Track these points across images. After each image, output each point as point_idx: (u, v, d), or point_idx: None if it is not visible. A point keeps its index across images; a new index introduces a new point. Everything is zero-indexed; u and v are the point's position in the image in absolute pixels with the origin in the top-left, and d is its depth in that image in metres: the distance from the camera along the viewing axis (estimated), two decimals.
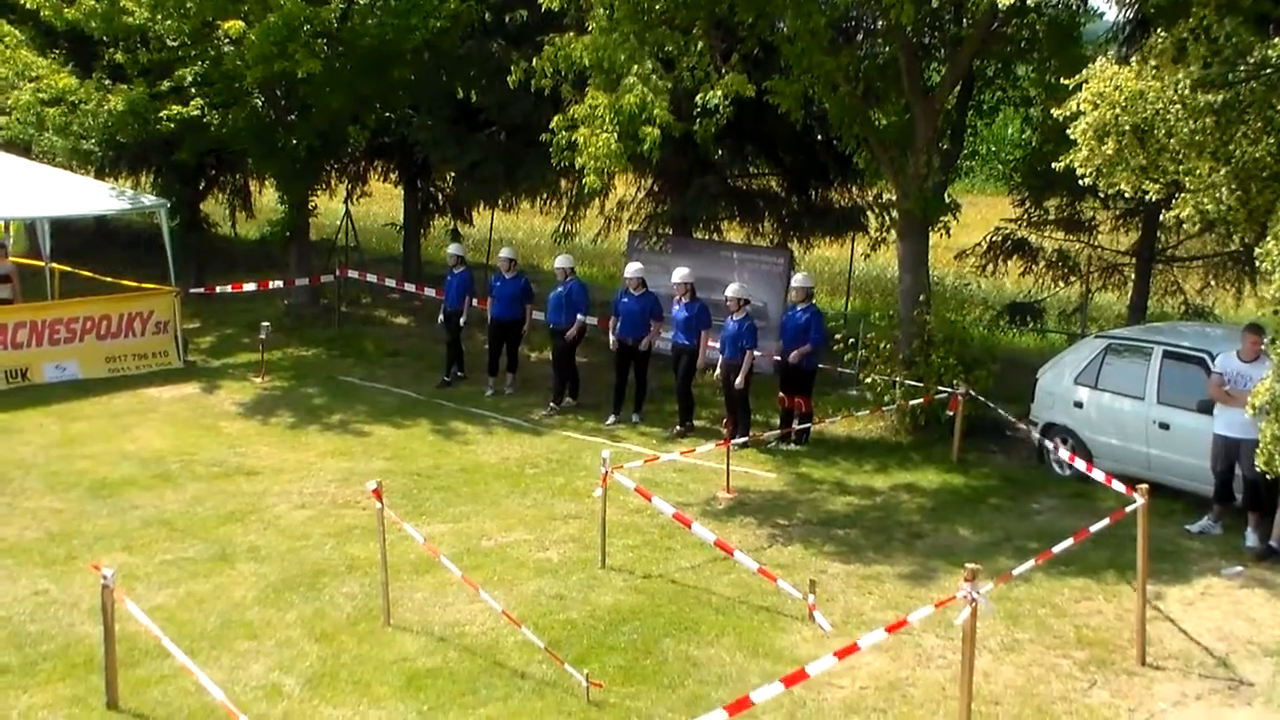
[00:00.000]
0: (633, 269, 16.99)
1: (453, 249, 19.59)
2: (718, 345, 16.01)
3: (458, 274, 18.82)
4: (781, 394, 16.14)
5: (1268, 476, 10.98)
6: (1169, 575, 11.49)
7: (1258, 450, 10.22)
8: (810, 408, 16.01)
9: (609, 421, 16.68)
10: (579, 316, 17.21)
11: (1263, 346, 11.78)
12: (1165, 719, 9.10)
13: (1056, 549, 9.84)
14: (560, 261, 17.84)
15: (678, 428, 16.25)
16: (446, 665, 9.65)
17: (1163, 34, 10.63)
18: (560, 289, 17.44)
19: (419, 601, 10.79)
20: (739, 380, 15.50)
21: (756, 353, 15.87)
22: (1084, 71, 10.86)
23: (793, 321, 16.05)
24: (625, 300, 16.81)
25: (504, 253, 18.77)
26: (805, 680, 8.83)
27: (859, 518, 13.29)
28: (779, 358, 16.53)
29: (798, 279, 16.49)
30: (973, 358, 15.95)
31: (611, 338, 16.97)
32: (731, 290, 15.87)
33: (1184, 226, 11.35)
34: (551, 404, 17.28)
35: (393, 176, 27.28)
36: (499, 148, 20.94)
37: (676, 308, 16.49)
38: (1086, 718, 9.05)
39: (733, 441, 14.10)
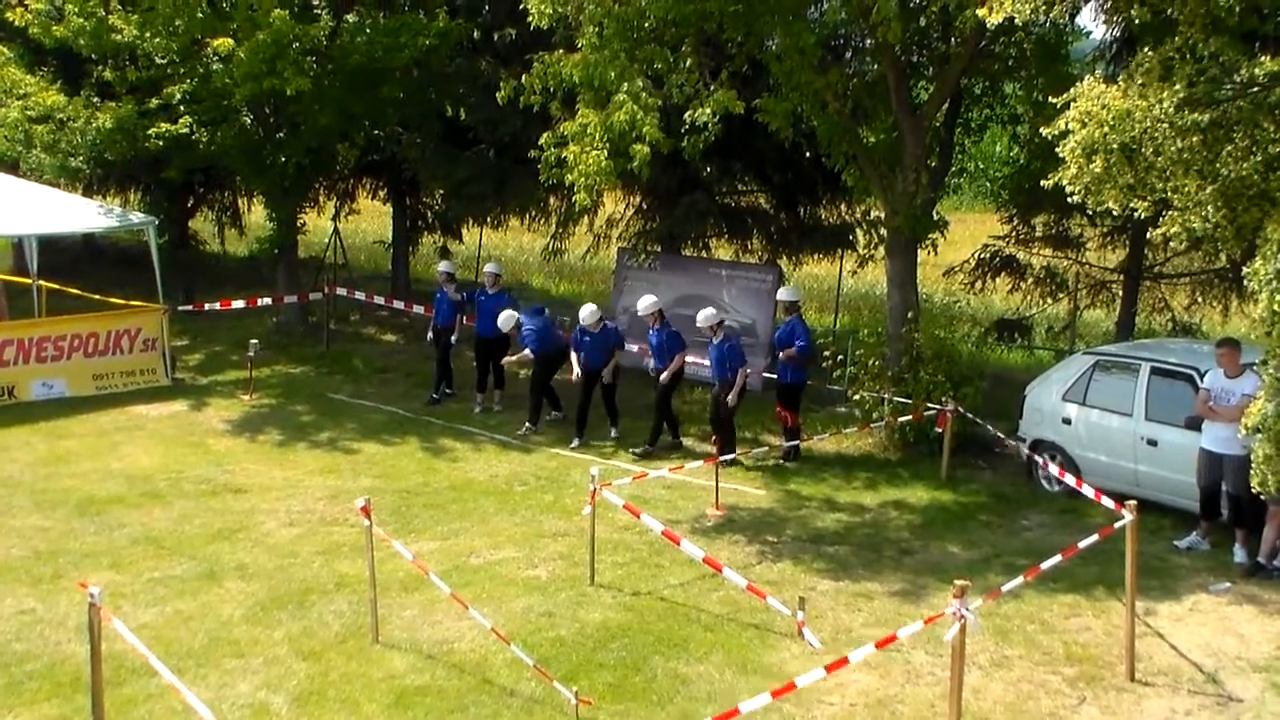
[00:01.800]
0: (587, 311, 16.61)
1: (442, 266, 19.55)
2: (708, 363, 16.06)
3: (447, 291, 18.80)
4: (779, 409, 16.18)
5: (1262, 496, 10.99)
6: (1158, 591, 11.51)
7: (1252, 470, 10.22)
8: (795, 422, 16.01)
9: (573, 445, 16.47)
10: (526, 351, 16.99)
11: (1254, 366, 11.79)
12: None
13: (1045, 565, 9.84)
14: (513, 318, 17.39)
15: (647, 446, 16.16)
16: (435, 683, 9.63)
17: (1149, 53, 10.66)
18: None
19: (407, 619, 10.76)
20: (731, 398, 15.51)
21: (746, 370, 15.88)
22: (1071, 90, 10.91)
23: (779, 335, 16.27)
24: (586, 340, 16.60)
25: (488, 268, 18.74)
26: (796, 697, 8.84)
27: (848, 534, 13.29)
28: (768, 374, 16.55)
29: (781, 293, 16.65)
30: (961, 374, 15.97)
31: (575, 368, 16.74)
32: (701, 319, 15.83)
33: (1171, 244, 11.40)
34: (528, 424, 17.18)
35: (381, 194, 27.27)
36: (488, 165, 20.95)
37: (651, 333, 16.49)
38: None
39: (719, 459, 14.11)
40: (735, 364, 15.60)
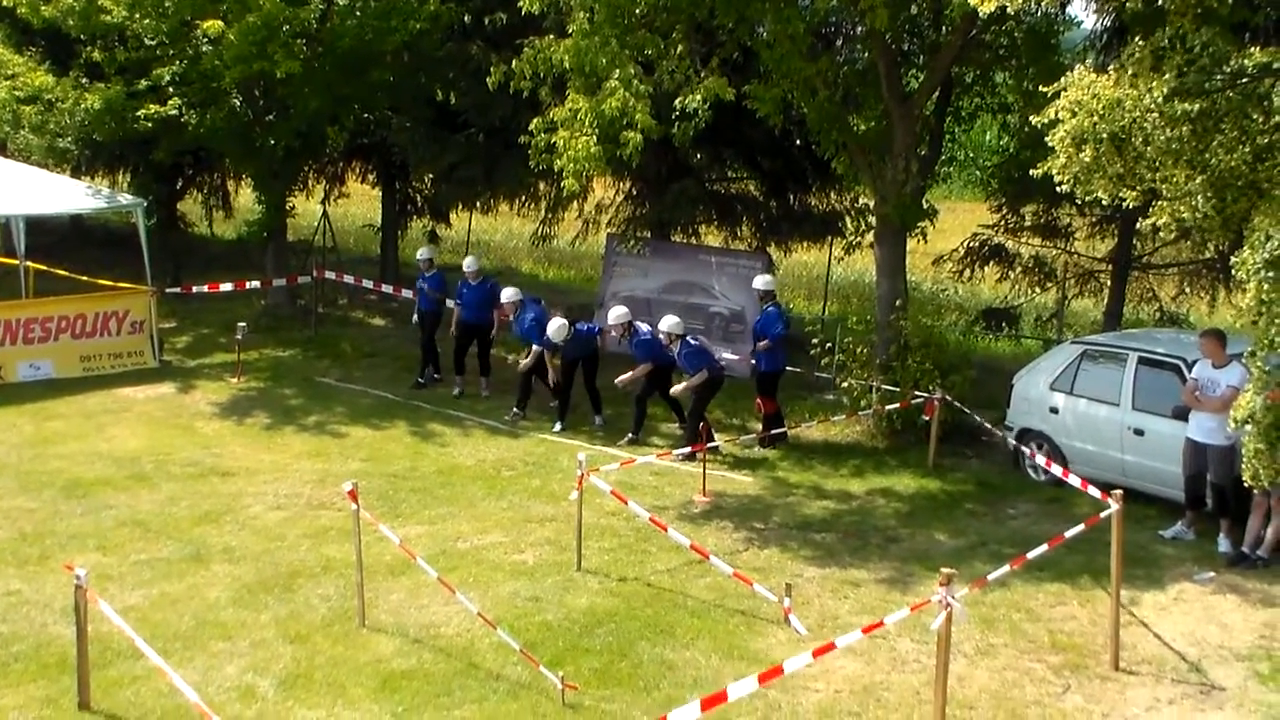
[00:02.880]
0: (554, 328, 16.47)
1: (421, 253, 19.50)
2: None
3: (428, 276, 18.77)
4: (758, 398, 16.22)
5: (1254, 490, 11.03)
6: (1143, 580, 11.54)
7: (1243, 464, 10.26)
8: (772, 409, 16.01)
9: (555, 429, 16.49)
10: (533, 347, 16.91)
11: (1242, 357, 11.83)
12: None
13: (1031, 554, 9.88)
14: (508, 294, 17.45)
15: (630, 435, 16.16)
16: (421, 667, 9.64)
17: (1140, 43, 10.69)
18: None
19: (394, 603, 10.77)
20: (676, 389, 15.70)
21: (734, 356, 15.91)
22: (1062, 79, 10.92)
23: (757, 325, 16.47)
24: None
25: (467, 262, 18.56)
26: (781, 683, 8.85)
27: (835, 522, 13.31)
28: (753, 361, 16.59)
29: (756, 282, 16.76)
30: (949, 363, 15.99)
31: (552, 374, 16.76)
32: (664, 327, 15.82)
33: (1160, 234, 11.44)
34: (516, 409, 17.16)
35: (371, 177, 27.21)
36: (477, 149, 20.90)
37: (626, 343, 16.45)
38: None
39: (675, 452, 14.25)
40: (697, 364, 15.60)
